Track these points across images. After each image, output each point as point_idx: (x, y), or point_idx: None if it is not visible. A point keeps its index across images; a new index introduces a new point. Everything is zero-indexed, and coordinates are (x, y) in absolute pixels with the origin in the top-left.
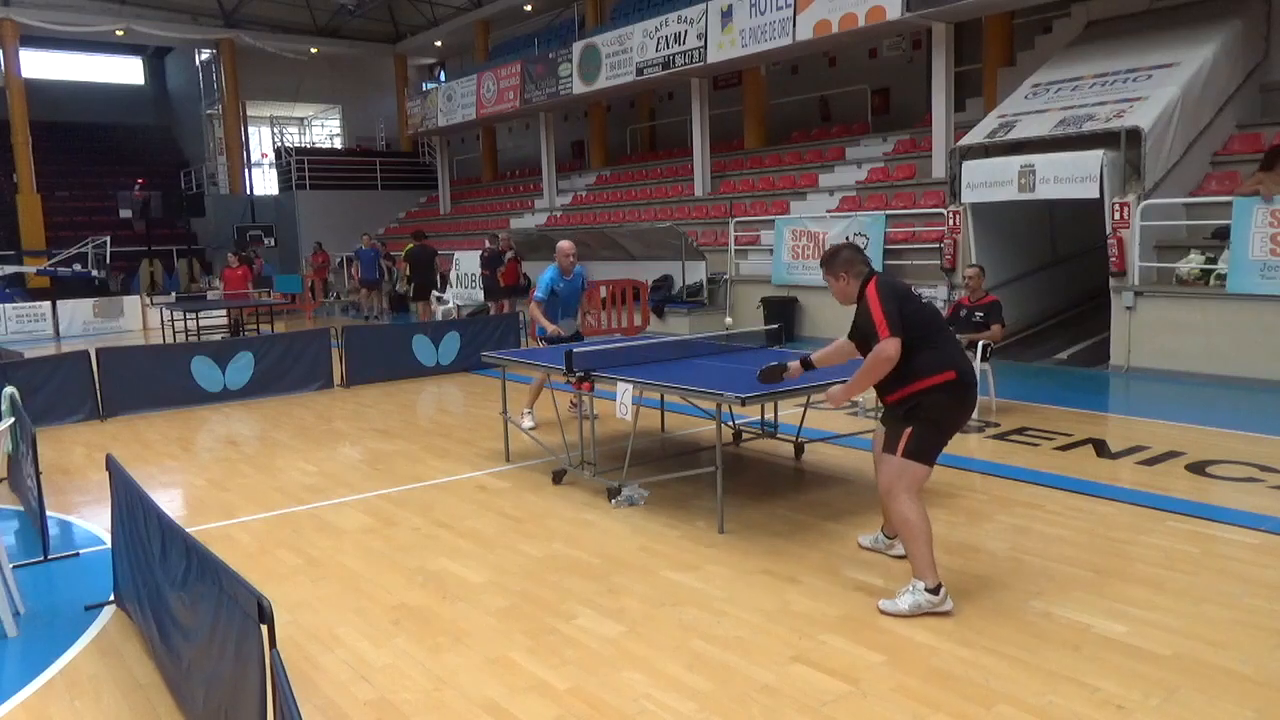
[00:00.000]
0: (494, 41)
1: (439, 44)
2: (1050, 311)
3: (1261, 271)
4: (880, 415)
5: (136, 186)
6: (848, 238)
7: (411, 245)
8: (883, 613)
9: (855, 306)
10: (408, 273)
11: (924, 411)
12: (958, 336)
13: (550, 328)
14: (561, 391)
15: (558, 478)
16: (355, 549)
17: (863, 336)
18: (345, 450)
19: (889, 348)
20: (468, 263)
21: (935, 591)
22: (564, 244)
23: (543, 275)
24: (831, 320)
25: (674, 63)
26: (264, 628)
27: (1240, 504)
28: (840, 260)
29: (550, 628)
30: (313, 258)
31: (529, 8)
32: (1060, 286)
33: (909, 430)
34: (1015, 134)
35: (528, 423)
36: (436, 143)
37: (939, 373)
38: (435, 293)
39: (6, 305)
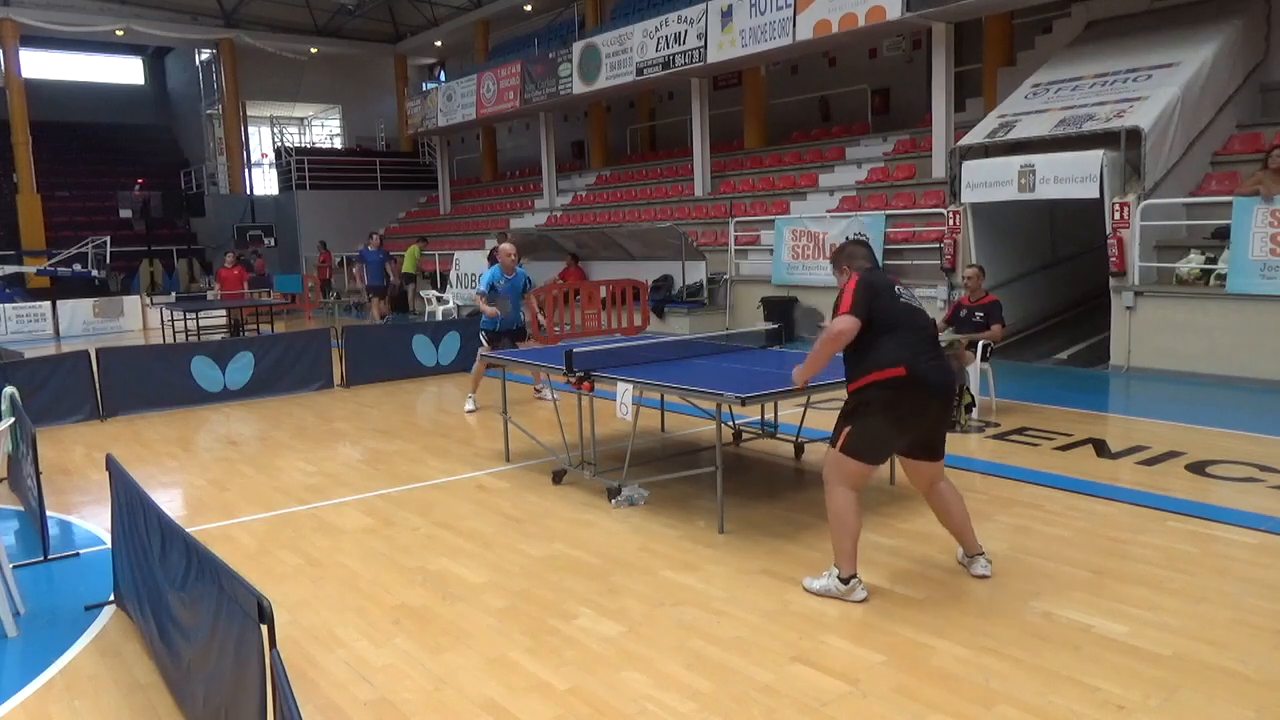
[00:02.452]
0: (494, 41)
1: (439, 44)
2: (1050, 311)
3: (1261, 271)
4: None
5: (136, 186)
6: (848, 237)
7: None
8: (806, 589)
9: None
10: (363, 271)
11: (865, 409)
12: (957, 336)
13: (489, 309)
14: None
15: (558, 478)
16: (355, 549)
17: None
18: (345, 450)
19: (842, 322)
20: (468, 263)
21: (846, 581)
22: (506, 245)
23: (486, 273)
24: None
25: (674, 63)
26: (264, 628)
27: (1240, 504)
28: (844, 254)
29: (550, 628)
30: (319, 258)
31: (529, 8)
32: (1060, 286)
33: (847, 428)
34: (1015, 134)
35: (468, 405)
36: (436, 143)
37: (887, 368)
38: (435, 293)
39: (6, 305)
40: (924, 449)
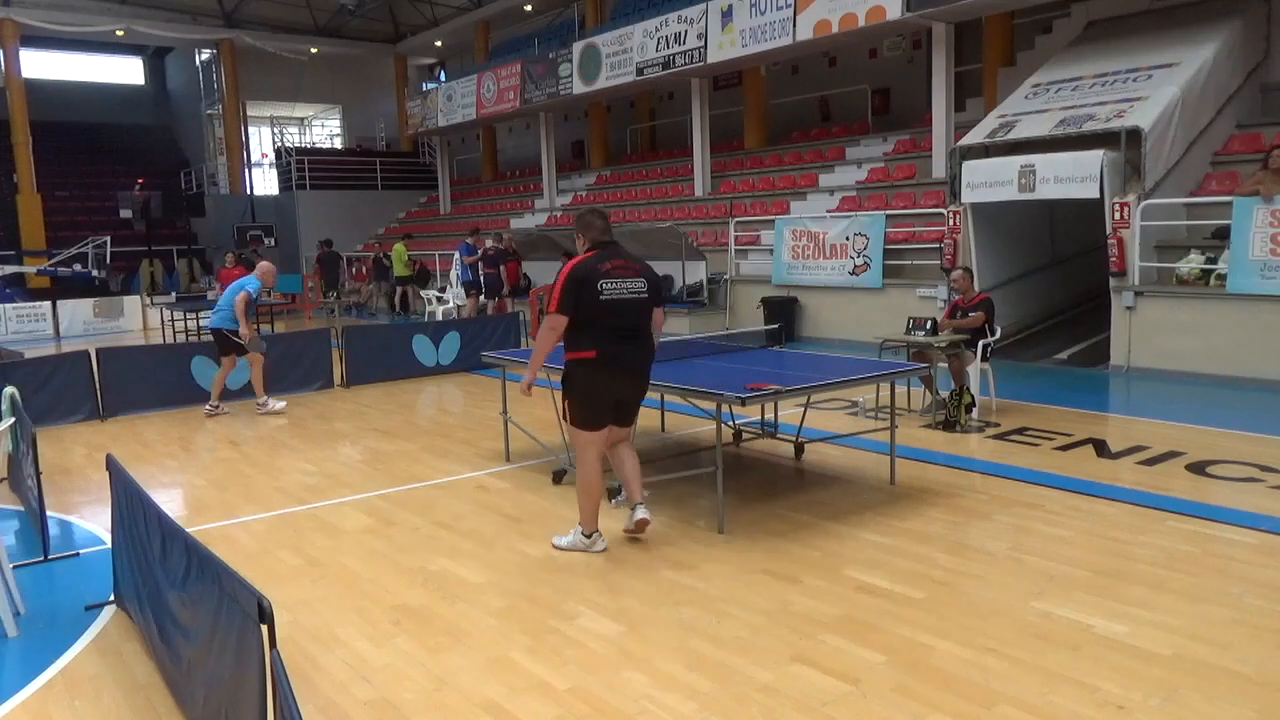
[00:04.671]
0: (494, 41)
1: (439, 44)
2: (1050, 311)
3: (1261, 271)
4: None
5: (136, 186)
6: (848, 238)
7: (322, 251)
8: (555, 546)
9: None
10: (319, 272)
11: (571, 382)
12: (956, 336)
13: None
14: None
15: (558, 478)
16: (355, 549)
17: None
18: (345, 450)
19: (550, 320)
20: None
21: (589, 536)
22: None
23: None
24: (831, 320)
25: (674, 63)
26: (264, 628)
27: (1240, 504)
28: (582, 223)
29: (550, 628)
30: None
31: (529, 8)
32: (1060, 286)
33: (566, 402)
34: (1015, 134)
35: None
36: (436, 143)
37: (582, 350)
38: (435, 293)
39: (6, 305)
40: (618, 415)
